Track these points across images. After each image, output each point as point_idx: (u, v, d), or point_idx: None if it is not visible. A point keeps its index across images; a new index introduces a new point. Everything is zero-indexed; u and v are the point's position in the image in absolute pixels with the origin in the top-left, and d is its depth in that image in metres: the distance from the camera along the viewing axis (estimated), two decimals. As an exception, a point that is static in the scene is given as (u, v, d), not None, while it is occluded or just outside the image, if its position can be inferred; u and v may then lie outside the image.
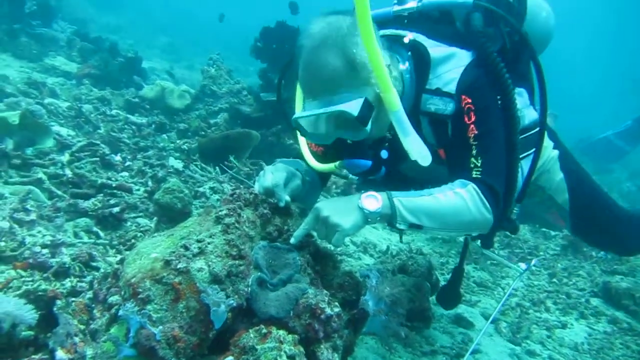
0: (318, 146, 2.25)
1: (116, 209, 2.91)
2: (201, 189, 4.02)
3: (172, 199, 3.11)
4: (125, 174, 3.98)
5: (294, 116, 1.88)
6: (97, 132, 4.79)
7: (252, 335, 1.55)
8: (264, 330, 1.58)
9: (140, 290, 1.61)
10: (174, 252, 1.68)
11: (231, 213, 1.81)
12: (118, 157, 4.19)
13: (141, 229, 2.94)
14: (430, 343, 2.93)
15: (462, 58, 2.02)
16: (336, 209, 1.77)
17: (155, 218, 3.09)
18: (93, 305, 1.84)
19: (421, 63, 1.99)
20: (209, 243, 1.71)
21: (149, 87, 7.05)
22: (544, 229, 5.84)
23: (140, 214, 3.19)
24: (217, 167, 4.63)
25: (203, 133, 5.91)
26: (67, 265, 2.05)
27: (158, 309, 1.60)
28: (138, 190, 3.61)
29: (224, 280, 1.64)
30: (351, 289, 1.96)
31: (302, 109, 1.99)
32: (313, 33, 1.80)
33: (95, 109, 5.83)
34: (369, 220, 1.77)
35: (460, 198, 1.82)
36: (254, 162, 5.15)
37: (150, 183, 3.76)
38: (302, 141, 2.23)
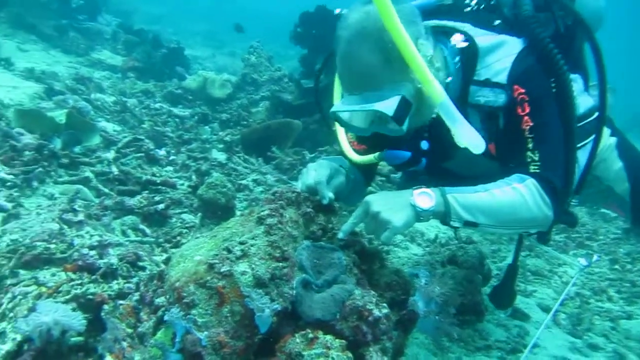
0: (358, 144, 2.20)
1: (161, 206, 2.96)
2: (244, 182, 4.04)
3: (215, 194, 3.12)
4: (170, 168, 4.05)
5: (332, 109, 1.83)
6: (142, 127, 4.88)
7: (298, 341, 1.53)
8: (311, 335, 1.55)
9: (185, 294, 1.62)
10: (217, 255, 1.67)
11: (273, 213, 1.78)
12: (162, 152, 4.27)
13: (186, 225, 2.98)
14: (484, 337, 2.85)
15: (512, 46, 1.92)
16: (387, 204, 1.73)
17: (199, 214, 3.12)
18: (140, 307, 1.87)
19: (468, 53, 1.90)
20: (251, 245, 1.70)
21: (191, 77, 7.15)
22: (603, 210, 5.58)
23: (185, 209, 3.23)
24: (259, 158, 4.64)
25: (245, 123, 5.94)
26: (114, 267, 2.08)
27: (203, 313, 1.60)
28: (182, 185, 3.66)
29: (267, 284, 1.62)
30: (399, 288, 1.91)
31: (340, 101, 1.94)
32: (350, 24, 1.74)
33: (140, 102, 5.94)
34: (421, 218, 1.72)
35: (518, 194, 1.74)
36: (297, 151, 5.14)
37: (194, 177, 3.81)
38: (341, 135, 2.19)
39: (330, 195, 1.91)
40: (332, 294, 1.72)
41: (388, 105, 1.68)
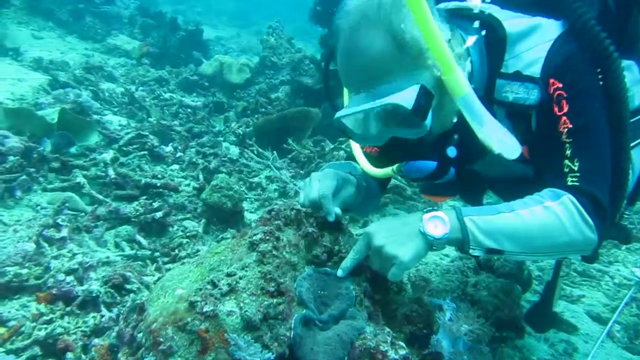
0: (372, 146, 1.92)
1: (159, 214, 2.75)
2: (256, 179, 3.81)
3: (220, 198, 2.91)
4: (176, 167, 3.85)
5: (336, 115, 1.56)
6: (148, 121, 4.68)
7: None
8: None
9: (162, 339, 1.40)
10: (200, 290, 1.45)
11: (268, 237, 1.54)
12: (169, 148, 4.07)
13: (188, 233, 2.77)
14: (525, 356, 2.57)
15: (548, 30, 1.60)
16: (392, 236, 1.48)
17: (203, 220, 2.91)
18: (118, 345, 1.67)
19: (494, 41, 1.60)
20: (240, 277, 1.46)
21: (207, 63, 6.93)
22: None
23: (188, 215, 3.03)
24: (274, 152, 4.40)
25: (264, 110, 5.69)
26: (94, 294, 1.88)
27: (182, 363, 1.37)
28: (188, 185, 3.45)
29: (259, 326, 1.39)
30: (421, 320, 1.66)
31: (346, 105, 1.66)
32: (349, 10, 1.47)
33: (151, 91, 5.76)
34: (434, 247, 1.47)
35: (552, 214, 1.45)
36: (317, 141, 4.88)
37: (201, 177, 3.59)
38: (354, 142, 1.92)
39: (337, 211, 1.66)
40: (338, 333, 1.48)
41: (405, 97, 1.41)
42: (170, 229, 2.84)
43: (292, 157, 4.44)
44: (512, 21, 1.62)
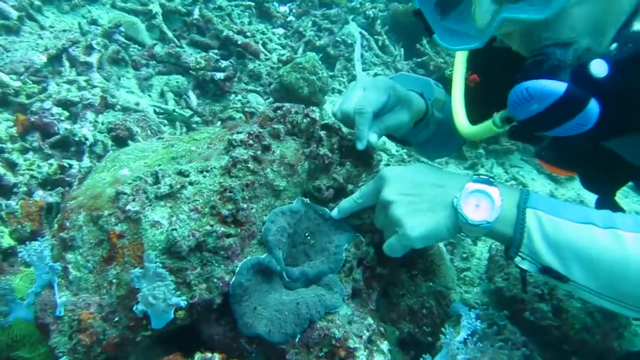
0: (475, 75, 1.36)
1: (220, 75, 2.42)
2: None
3: (297, 80, 2.51)
4: (281, 31, 3.46)
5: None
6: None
7: None
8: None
9: (69, 224, 1.11)
10: (136, 181, 1.11)
11: (251, 141, 1.15)
12: (283, 8, 3.68)
13: (246, 109, 2.43)
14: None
15: None
16: (412, 194, 1.05)
17: (270, 99, 2.55)
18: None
19: None
20: (191, 183, 1.10)
21: None
22: None
23: (259, 88, 2.68)
24: (402, 49, 3.85)
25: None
26: (78, 137, 1.63)
27: (80, 264, 1.08)
28: (282, 56, 3.06)
29: (185, 255, 1.04)
30: (430, 323, 1.23)
31: None
32: None
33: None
34: (464, 233, 1.02)
35: (619, 246, 0.93)
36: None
37: (300, 51, 3.20)
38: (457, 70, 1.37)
39: (373, 138, 1.20)
40: (298, 301, 1.10)
41: None
42: (231, 96, 2.52)
43: (421, 62, 3.87)
44: None
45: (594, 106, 0.93)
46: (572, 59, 0.94)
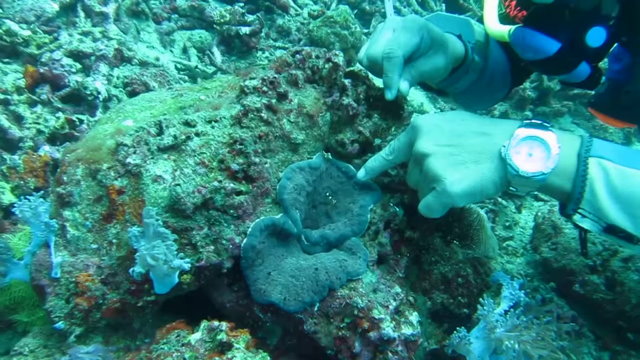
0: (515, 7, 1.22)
1: (246, 30, 2.30)
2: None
3: (328, 35, 2.38)
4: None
5: None
6: None
7: (172, 343, 0.87)
8: (221, 338, 0.87)
9: (66, 179, 1.02)
10: (138, 132, 1.01)
11: (265, 88, 1.03)
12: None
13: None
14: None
15: None
16: (452, 145, 0.92)
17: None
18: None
19: None
20: (197, 134, 0.99)
21: None
22: None
23: (288, 45, 2.55)
24: (443, 5, 3.63)
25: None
26: (89, 91, 1.55)
27: (79, 222, 1.00)
28: (314, 12, 2.91)
29: (191, 214, 0.93)
30: (467, 293, 1.12)
31: None
32: None
33: None
34: (512, 188, 0.88)
35: None
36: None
37: (333, 5, 3.03)
38: None
39: (404, 86, 1.07)
40: (317, 266, 0.99)
41: None
42: (257, 53, 2.40)
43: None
44: None
45: (584, 68, 1.06)
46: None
